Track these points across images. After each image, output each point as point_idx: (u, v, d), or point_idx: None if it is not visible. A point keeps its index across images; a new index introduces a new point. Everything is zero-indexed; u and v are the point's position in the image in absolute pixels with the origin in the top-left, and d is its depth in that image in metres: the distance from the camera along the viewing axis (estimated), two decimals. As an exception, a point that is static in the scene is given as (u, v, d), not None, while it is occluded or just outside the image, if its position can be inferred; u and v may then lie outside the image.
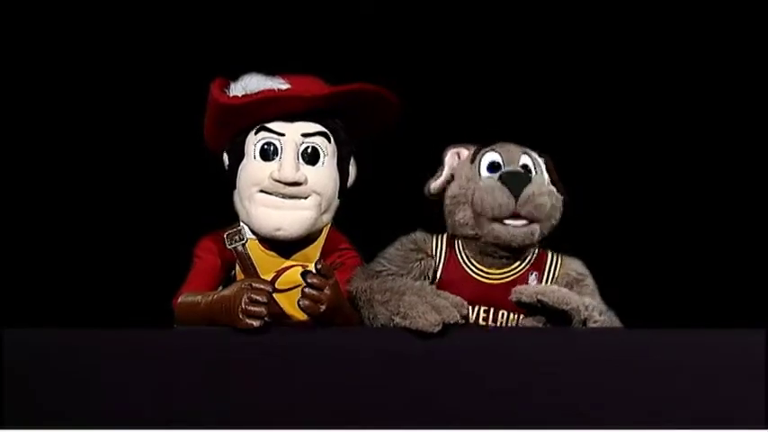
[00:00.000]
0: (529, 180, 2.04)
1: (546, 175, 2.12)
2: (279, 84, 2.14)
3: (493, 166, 2.10)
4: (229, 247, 2.19)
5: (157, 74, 2.72)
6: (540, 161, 2.13)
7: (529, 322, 2.02)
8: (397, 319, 1.90)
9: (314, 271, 1.92)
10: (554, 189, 2.10)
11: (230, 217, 2.23)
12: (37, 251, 2.71)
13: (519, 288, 2.02)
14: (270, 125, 2.15)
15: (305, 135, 2.15)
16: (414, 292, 1.94)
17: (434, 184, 2.15)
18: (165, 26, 2.73)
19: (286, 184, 2.12)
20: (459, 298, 1.94)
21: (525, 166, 2.10)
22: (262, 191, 2.14)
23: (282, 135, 2.15)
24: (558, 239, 2.15)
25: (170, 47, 2.73)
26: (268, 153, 2.15)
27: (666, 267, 2.69)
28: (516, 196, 2.02)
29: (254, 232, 2.18)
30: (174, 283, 2.17)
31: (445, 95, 2.73)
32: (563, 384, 1.84)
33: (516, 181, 2.04)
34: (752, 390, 1.83)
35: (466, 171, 2.12)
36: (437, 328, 1.86)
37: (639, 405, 1.84)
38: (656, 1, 2.72)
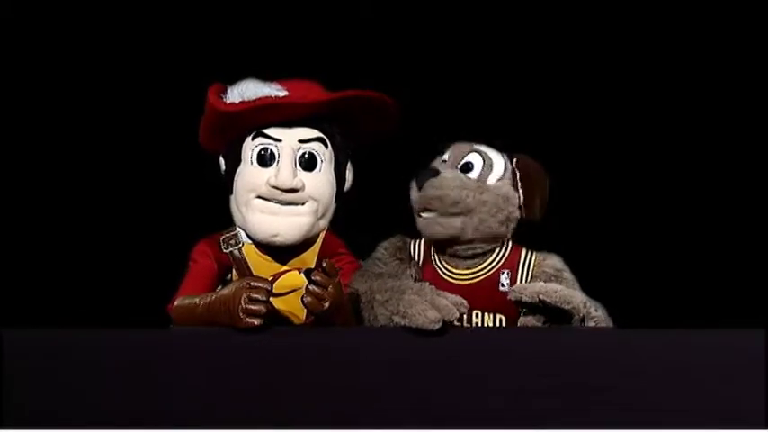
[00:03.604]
0: (434, 175, 2.08)
1: (498, 172, 2.12)
2: (276, 90, 2.14)
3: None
4: (225, 251, 2.19)
5: (156, 77, 2.72)
6: (498, 159, 2.13)
7: (528, 321, 2.02)
8: (397, 318, 1.90)
9: (316, 269, 1.93)
10: (502, 186, 2.10)
11: (227, 220, 2.22)
12: (37, 252, 2.71)
13: (519, 287, 2.02)
14: (267, 131, 2.15)
15: (302, 141, 2.15)
16: (414, 291, 1.94)
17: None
18: (163, 30, 2.73)
19: (283, 190, 2.12)
20: (458, 297, 1.94)
21: (467, 164, 2.11)
22: (258, 197, 2.14)
23: (279, 141, 2.14)
24: (557, 240, 2.15)
25: (168, 50, 2.73)
26: (265, 159, 2.14)
27: (666, 267, 2.69)
28: (420, 189, 2.08)
29: (250, 237, 2.18)
30: (174, 284, 2.17)
31: (442, 99, 2.73)
32: (563, 384, 1.84)
33: (421, 177, 2.10)
34: (752, 390, 1.82)
35: None
36: (437, 326, 1.86)
37: (640, 405, 1.83)
38: (639, 6, 2.73)
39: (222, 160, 2.23)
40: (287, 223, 2.13)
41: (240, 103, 2.12)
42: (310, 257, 2.20)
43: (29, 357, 1.89)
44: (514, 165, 2.14)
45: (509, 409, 1.84)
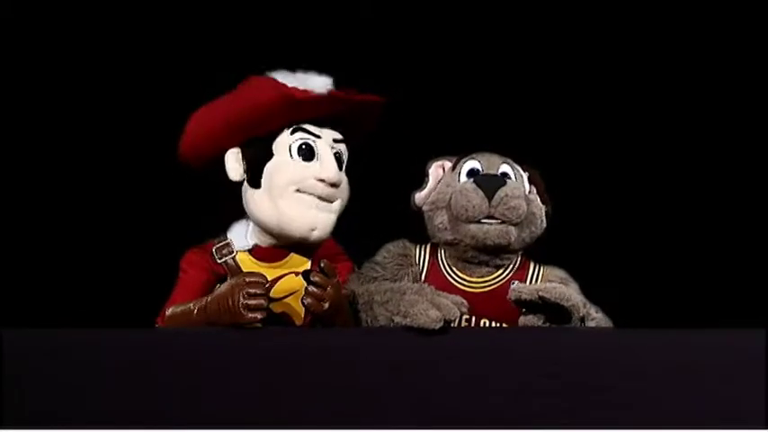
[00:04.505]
0: (503, 183, 2.06)
1: (526, 185, 2.14)
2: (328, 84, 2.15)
3: (472, 173, 2.12)
4: (219, 261, 2.16)
5: (154, 79, 2.72)
6: (523, 173, 2.14)
7: (528, 321, 2.02)
8: (398, 318, 1.90)
9: (314, 270, 1.93)
10: (535, 198, 2.12)
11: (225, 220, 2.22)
12: (36, 252, 2.71)
13: (518, 286, 2.03)
14: (306, 126, 2.14)
15: (335, 140, 2.16)
16: (414, 291, 1.95)
17: (419, 195, 2.17)
18: (162, 31, 2.73)
19: (329, 184, 2.11)
20: (459, 297, 1.95)
21: (504, 174, 2.12)
22: (297, 190, 2.13)
23: (319, 137, 2.15)
24: (557, 242, 2.15)
25: (167, 51, 2.72)
26: (305, 153, 2.14)
27: (666, 268, 2.69)
28: (490, 197, 2.04)
29: (247, 240, 2.16)
30: (174, 285, 2.17)
31: (442, 100, 2.73)
32: (563, 384, 1.84)
33: (490, 183, 2.06)
34: (752, 390, 1.83)
35: (446, 178, 2.15)
36: (438, 325, 1.86)
37: (640, 405, 1.83)
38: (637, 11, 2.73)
39: (234, 158, 2.18)
40: (323, 218, 2.13)
41: (316, 93, 2.11)
42: (307, 261, 2.19)
43: (29, 357, 1.89)
44: (528, 177, 2.15)
45: (509, 409, 1.84)
